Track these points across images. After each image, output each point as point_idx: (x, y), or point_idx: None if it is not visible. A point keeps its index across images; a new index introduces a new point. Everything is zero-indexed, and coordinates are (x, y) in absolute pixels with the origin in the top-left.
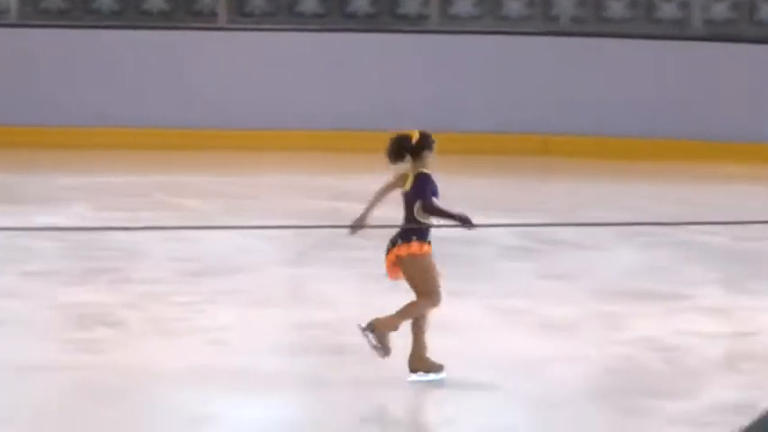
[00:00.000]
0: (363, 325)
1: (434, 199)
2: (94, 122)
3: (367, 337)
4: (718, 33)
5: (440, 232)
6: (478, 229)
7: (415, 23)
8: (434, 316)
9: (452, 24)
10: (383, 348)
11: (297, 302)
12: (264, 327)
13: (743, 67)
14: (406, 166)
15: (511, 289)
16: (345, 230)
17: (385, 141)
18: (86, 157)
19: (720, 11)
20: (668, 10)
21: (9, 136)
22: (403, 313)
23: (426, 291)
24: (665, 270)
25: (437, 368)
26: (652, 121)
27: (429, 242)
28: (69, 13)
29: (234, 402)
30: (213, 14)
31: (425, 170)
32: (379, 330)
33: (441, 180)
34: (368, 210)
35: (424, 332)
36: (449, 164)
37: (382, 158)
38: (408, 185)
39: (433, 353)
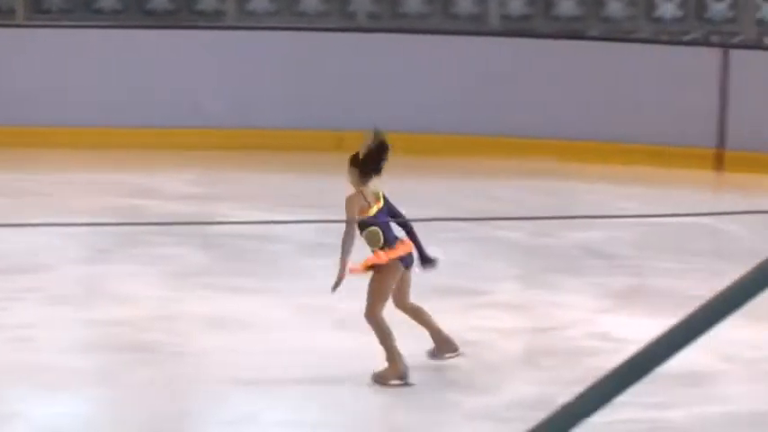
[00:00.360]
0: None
1: None
2: None
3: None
4: (514, 29)
5: (237, 229)
6: (277, 226)
7: (212, 19)
8: (229, 312)
9: (249, 20)
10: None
11: (97, 300)
12: (66, 324)
13: (540, 63)
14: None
15: (312, 285)
16: (147, 228)
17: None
18: None
19: (517, 6)
20: (465, 5)
21: None
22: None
23: None
24: (463, 266)
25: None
26: (450, 117)
27: None
28: None
29: (37, 400)
30: (10, 11)
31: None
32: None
33: (240, 176)
34: (346, 260)
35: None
36: (247, 160)
37: (179, 155)
38: (381, 204)
39: (236, 351)
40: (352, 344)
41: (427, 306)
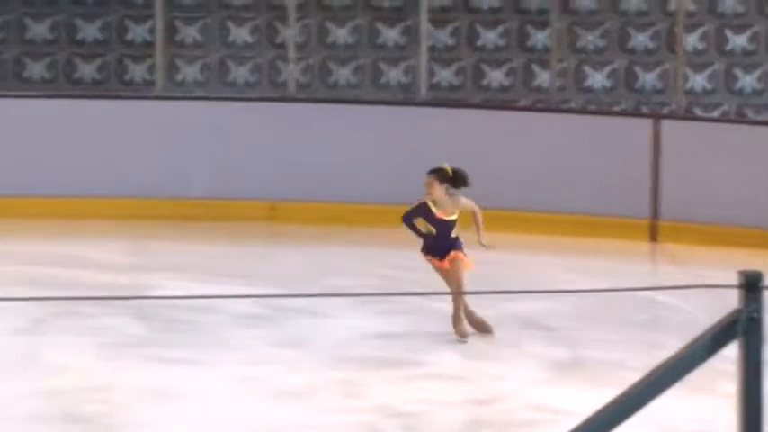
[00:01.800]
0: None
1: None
2: None
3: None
4: (443, 99)
5: (171, 299)
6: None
7: (140, 90)
8: (163, 384)
9: (178, 90)
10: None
11: (31, 371)
12: (1, 396)
13: (470, 133)
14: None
15: (245, 357)
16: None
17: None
18: None
19: (446, 76)
20: (394, 75)
21: None
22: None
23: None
24: (399, 337)
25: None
26: (383, 187)
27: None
28: None
29: None
30: None
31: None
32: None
33: (173, 246)
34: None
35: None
36: (179, 230)
37: (111, 225)
38: None
39: (170, 423)
40: (285, 416)
41: (363, 377)
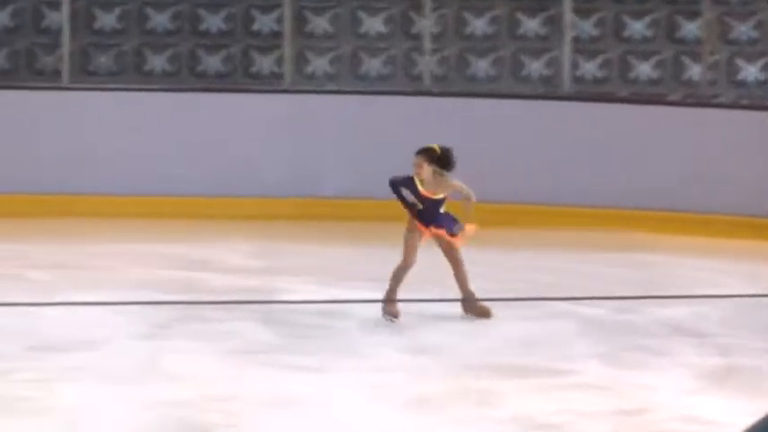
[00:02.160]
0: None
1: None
2: None
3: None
4: (588, 92)
5: (297, 306)
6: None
7: (268, 82)
8: (289, 392)
9: (308, 84)
10: (393, 315)
11: (153, 378)
12: (118, 405)
13: (618, 128)
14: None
15: (375, 364)
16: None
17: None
18: None
19: (591, 69)
20: (536, 68)
21: None
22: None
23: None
24: (543, 344)
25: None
26: (528, 186)
27: (415, 219)
28: None
29: None
30: (56, 73)
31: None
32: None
33: (302, 248)
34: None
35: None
36: (307, 231)
37: (236, 225)
38: None
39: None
40: (417, 427)
41: (501, 386)
